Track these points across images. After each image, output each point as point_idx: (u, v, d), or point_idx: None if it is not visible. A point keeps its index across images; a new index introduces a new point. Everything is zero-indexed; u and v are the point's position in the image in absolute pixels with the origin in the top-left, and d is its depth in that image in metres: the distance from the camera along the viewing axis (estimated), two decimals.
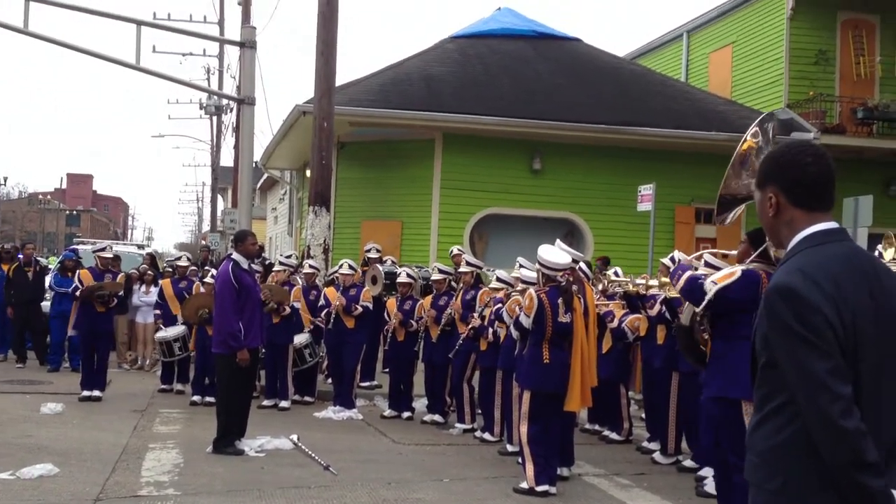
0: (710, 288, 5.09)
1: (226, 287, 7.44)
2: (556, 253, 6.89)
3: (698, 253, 6.97)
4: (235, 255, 7.71)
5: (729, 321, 5.13)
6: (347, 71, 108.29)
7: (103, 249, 11.05)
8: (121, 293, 10.80)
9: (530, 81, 16.85)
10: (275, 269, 10.92)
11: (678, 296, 6.11)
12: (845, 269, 2.22)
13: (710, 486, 6.21)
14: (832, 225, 2.32)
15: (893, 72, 17.12)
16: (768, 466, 2.25)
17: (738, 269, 5.17)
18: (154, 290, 12.81)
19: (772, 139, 5.22)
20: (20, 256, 13.32)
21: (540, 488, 6.34)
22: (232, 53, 29.40)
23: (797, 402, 2.17)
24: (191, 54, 29.76)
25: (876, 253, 6.38)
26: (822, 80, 16.75)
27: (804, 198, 2.34)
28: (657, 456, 7.79)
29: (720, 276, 5.19)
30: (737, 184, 5.17)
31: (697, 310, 5.24)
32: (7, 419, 8.55)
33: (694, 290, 5.19)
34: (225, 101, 29.14)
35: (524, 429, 6.56)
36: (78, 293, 10.16)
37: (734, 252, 5.93)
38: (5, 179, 78.01)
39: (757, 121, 5.25)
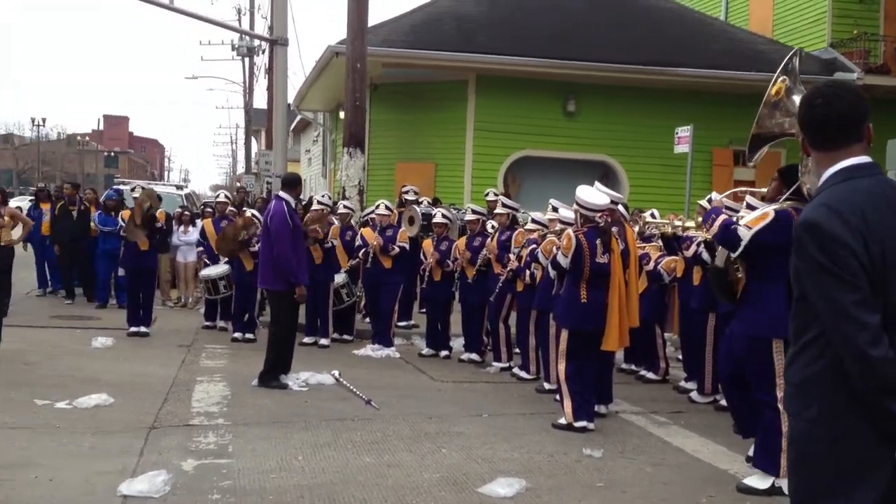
0: (744, 233, 5.11)
1: (283, 225, 7.66)
2: (594, 194, 6.92)
3: (732, 191, 6.95)
4: (286, 196, 7.89)
5: (764, 262, 5.16)
6: (379, 10, 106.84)
7: (132, 189, 11.21)
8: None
9: (565, 21, 16.60)
10: (312, 208, 11.04)
11: None
12: (872, 201, 2.26)
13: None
14: (861, 160, 2.36)
15: None
16: (804, 396, 2.35)
17: (770, 211, 5.17)
18: (192, 229, 13.05)
19: (797, 77, 5.18)
20: (79, 197, 13.52)
21: (578, 424, 6.49)
22: None
23: (828, 333, 2.24)
24: None
25: None
26: (866, 18, 16.33)
27: (815, 139, 2.41)
28: (694, 395, 7.90)
29: (753, 219, 5.19)
30: (770, 123, 5.17)
31: (733, 255, 5.27)
32: (60, 352, 8.87)
33: (729, 236, 5.21)
34: (256, 42, 29.04)
35: (562, 367, 6.69)
36: (123, 232, 10.43)
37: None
38: (44, 120, 78.71)
39: (782, 65, 5.21)
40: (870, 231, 2.21)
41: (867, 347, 2.15)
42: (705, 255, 7.35)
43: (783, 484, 5.00)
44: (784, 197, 5.24)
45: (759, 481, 5.19)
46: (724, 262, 5.51)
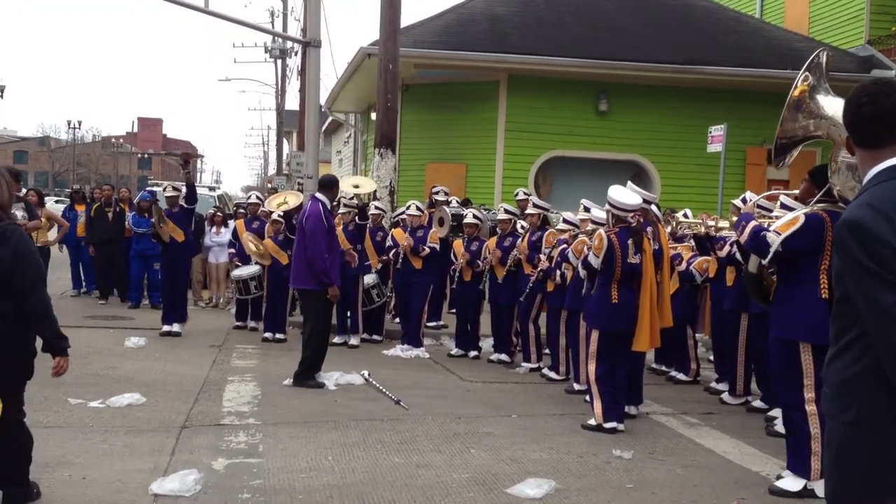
0: (774, 239, 5.08)
1: (318, 226, 7.73)
2: (626, 194, 6.86)
3: (767, 193, 6.87)
4: (322, 197, 7.93)
5: (793, 265, 5.13)
6: (411, 11, 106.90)
7: (164, 189, 11.46)
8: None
9: (597, 20, 16.50)
10: (339, 211, 11.07)
11: None
12: None
13: (780, 426, 6.23)
14: None
15: None
16: (842, 398, 2.30)
17: (800, 215, 5.13)
18: (224, 230, 13.17)
19: (825, 74, 5.10)
20: (115, 199, 13.66)
21: (608, 425, 6.44)
22: None
23: (870, 334, 2.19)
24: None
25: None
26: None
27: (862, 137, 2.38)
28: (726, 396, 7.81)
29: (783, 225, 5.16)
30: (793, 126, 5.10)
31: (764, 262, 5.26)
32: (94, 352, 8.98)
33: (759, 243, 5.19)
34: (289, 45, 29.26)
35: (592, 367, 6.64)
36: (154, 239, 10.62)
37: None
38: (79, 123, 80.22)
39: (806, 63, 5.13)
40: None
41: None
42: (739, 256, 7.26)
43: (815, 486, 4.94)
44: (815, 199, 5.18)
45: (792, 483, 5.11)
46: (756, 268, 5.48)
